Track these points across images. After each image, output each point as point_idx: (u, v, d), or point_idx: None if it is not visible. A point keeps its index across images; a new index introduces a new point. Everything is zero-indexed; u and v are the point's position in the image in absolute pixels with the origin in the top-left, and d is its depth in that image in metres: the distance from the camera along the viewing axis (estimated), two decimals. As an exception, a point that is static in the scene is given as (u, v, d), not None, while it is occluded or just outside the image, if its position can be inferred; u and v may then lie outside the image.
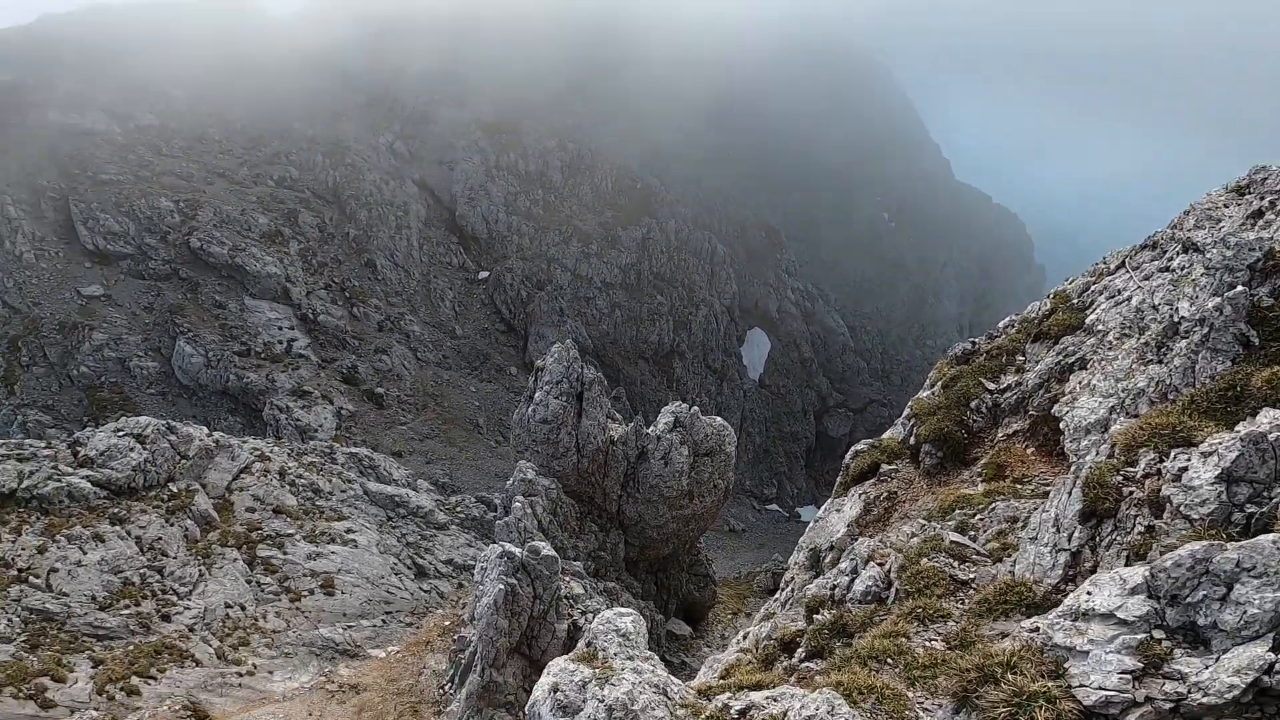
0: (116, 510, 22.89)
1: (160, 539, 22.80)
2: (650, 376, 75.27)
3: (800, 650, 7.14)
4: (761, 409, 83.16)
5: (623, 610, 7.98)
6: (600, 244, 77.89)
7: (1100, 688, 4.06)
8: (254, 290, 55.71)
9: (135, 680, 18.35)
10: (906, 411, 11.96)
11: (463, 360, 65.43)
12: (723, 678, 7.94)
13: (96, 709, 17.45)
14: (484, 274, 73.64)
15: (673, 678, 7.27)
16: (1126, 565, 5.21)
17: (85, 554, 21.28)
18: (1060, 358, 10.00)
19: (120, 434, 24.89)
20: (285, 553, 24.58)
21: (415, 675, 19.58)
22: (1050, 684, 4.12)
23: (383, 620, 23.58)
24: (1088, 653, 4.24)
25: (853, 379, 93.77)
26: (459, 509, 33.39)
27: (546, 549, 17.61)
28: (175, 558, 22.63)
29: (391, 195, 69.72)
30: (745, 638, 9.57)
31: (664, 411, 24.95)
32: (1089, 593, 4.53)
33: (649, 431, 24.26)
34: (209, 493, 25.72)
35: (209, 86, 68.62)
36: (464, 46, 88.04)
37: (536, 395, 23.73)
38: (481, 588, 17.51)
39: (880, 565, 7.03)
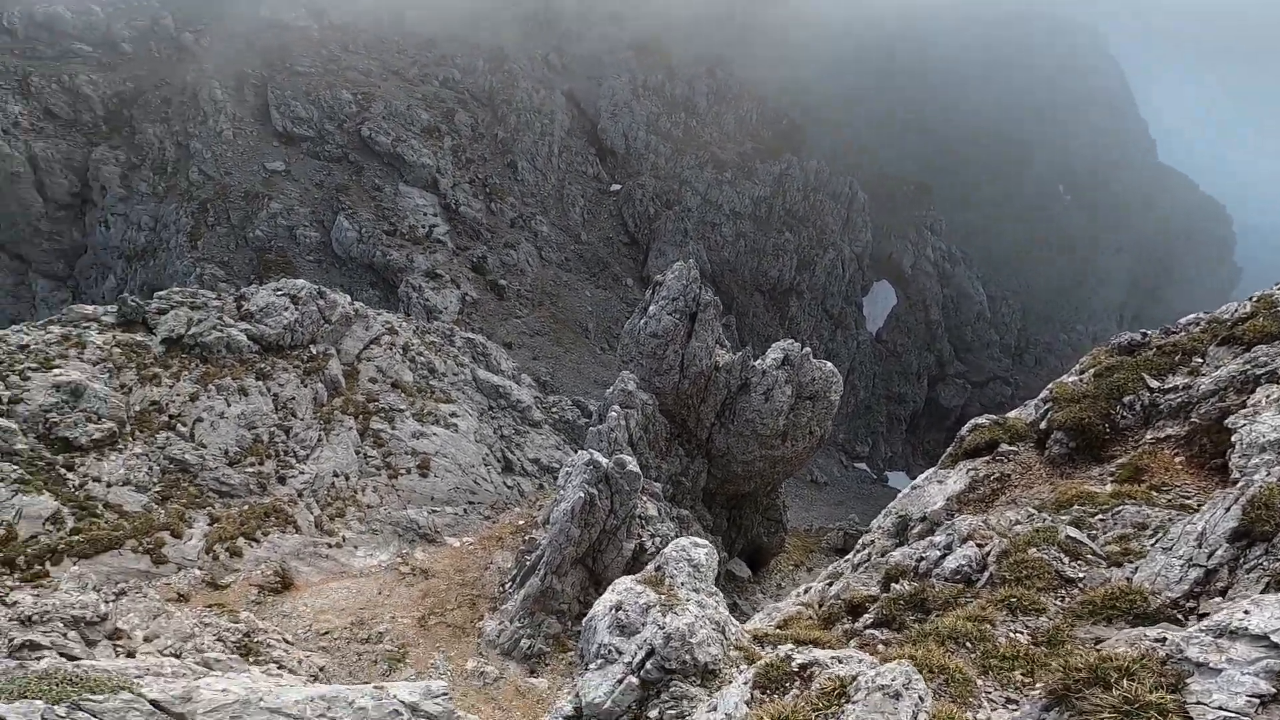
0: (263, 365, 24.92)
1: (294, 399, 24.69)
2: (763, 310, 73.73)
3: (868, 616, 6.84)
4: (872, 364, 79.77)
5: (699, 541, 7.96)
6: (735, 173, 75.60)
7: (1221, 708, 3.72)
8: (408, 178, 59.02)
9: (241, 542, 19.56)
10: (1044, 394, 10.91)
11: (583, 265, 66.75)
12: (780, 627, 7.79)
13: (200, 568, 18.61)
14: (616, 186, 73.75)
15: (731, 618, 7.20)
16: (1264, 593, 4.86)
17: (229, 406, 22.99)
18: (1248, 367, 8.62)
19: (279, 293, 27.13)
20: (394, 428, 26.23)
21: (481, 569, 20.01)
22: (1166, 695, 3.72)
23: (464, 509, 24.45)
24: (1220, 671, 3.86)
25: (980, 351, 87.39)
26: (554, 409, 34.59)
27: (632, 464, 17.76)
28: (302, 419, 24.40)
29: (540, 104, 70.69)
30: (807, 592, 9.35)
31: (774, 347, 24.26)
32: (1246, 611, 4.07)
33: (755, 364, 23.73)
34: (341, 359, 27.92)
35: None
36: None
37: (651, 309, 23.63)
38: (562, 493, 17.78)
39: (980, 546, 6.52)
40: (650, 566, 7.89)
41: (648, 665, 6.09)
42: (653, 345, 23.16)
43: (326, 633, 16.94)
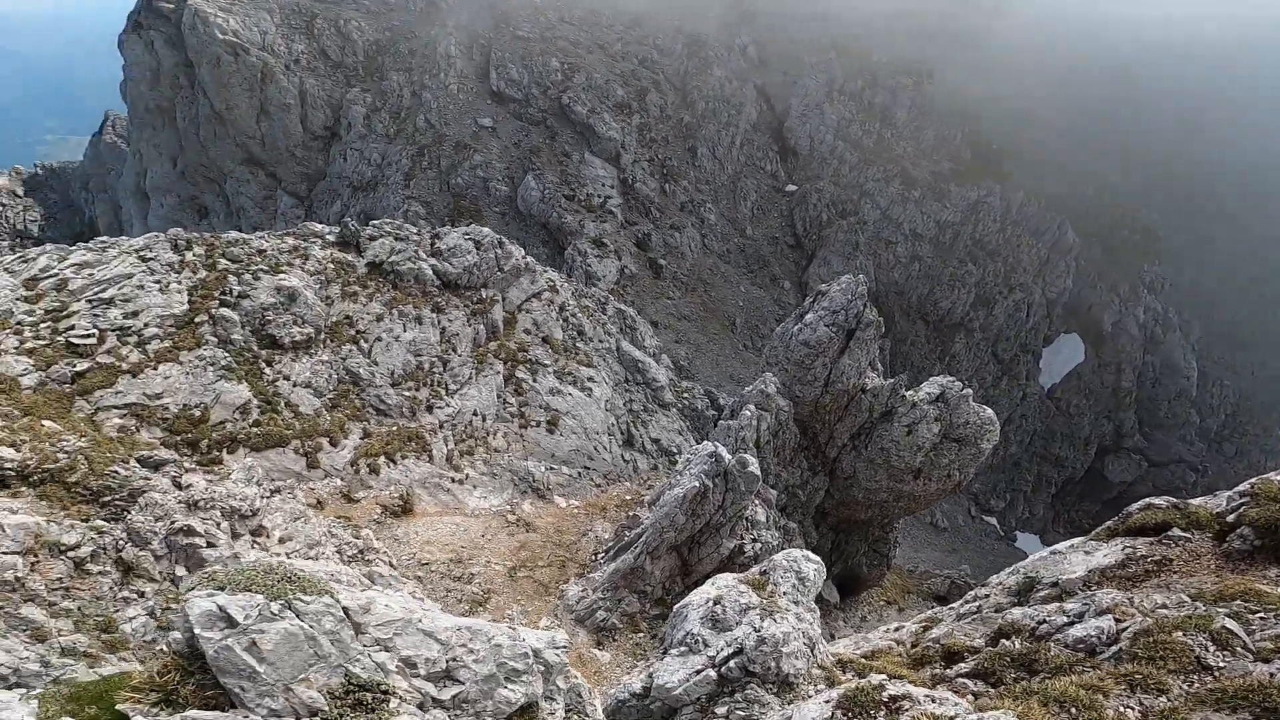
0: (439, 300, 27.19)
1: (457, 335, 26.67)
2: (924, 340, 69.27)
3: (964, 665, 6.42)
4: (1035, 420, 72.45)
5: (811, 556, 7.93)
6: (925, 192, 71.06)
7: None
8: (595, 149, 61.72)
9: (381, 461, 20.77)
10: (1244, 487, 9.49)
11: (743, 259, 66.31)
12: (865, 658, 7.54)
13: (342, 479, 19.76)
14: (792, 187, 72.18)
15: (821, 637, 7.09)
16: None
17: (404, 331, 25.06)
18: None
19: (466, 237, 29.50)
20: (535, 380, 27.56)
21: (579, 534, 20.12)
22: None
23: (579, 473, 24.91)
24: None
25: (1171, 430, 76.30)
26: (686, 395, 34.84)
27: (754, 466, 17.58)
28: (459, 355, 26.22)
29: (730, 94, 70.62)
30: (898, 629, 8.91)
31: (932, 381, 22.92)
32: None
33: (907, 394, 22.56)
34: (504, 306, 29.95)
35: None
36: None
37: (808, 316, 23.12)
38: (678, 478, 17.80)
39: (1117, 621, 5.89)
40: (756, 569, 7.96)
41: (731, 663, 6.14)
42: (802, 353, 22.66)
43: (426, 564, 17.56)
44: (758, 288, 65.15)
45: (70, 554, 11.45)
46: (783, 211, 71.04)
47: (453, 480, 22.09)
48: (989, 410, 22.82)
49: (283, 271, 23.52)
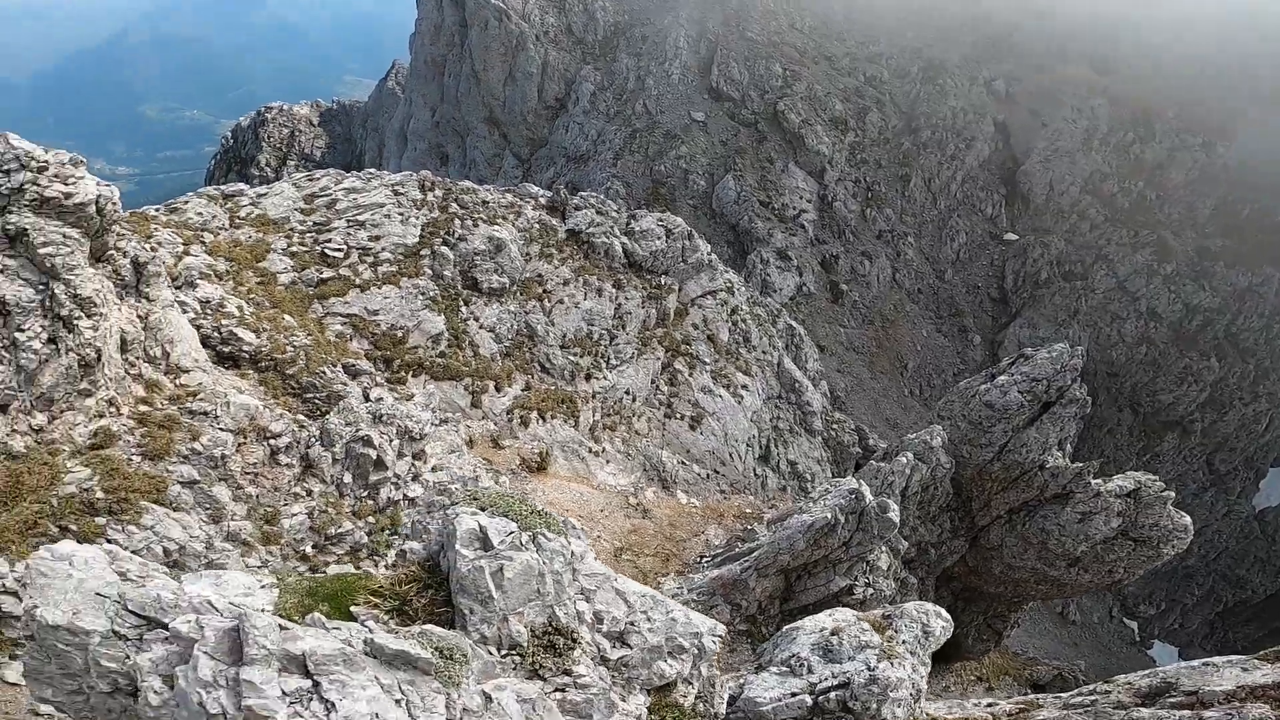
0: (621, 277, 28.41)
1: (630, 314, 27.79)
2: (1125, 430, 60.73)
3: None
4: (1231, 538, 61.22)
5: (942, 613, 7.92)
6: (1181, 268, 61.87)
7: None
8: (800, 160, 60.79)
9: (534, 415, 21.82)
10: None
11: (934, 303, 62.11)
12: (956, 721, 7.23)
13: (496, 424, 20.88)
14: (1012, 236, 66.07)
15: (925, 693, 6.89)
16: None
17: (584, 299, 26.49)
18: None
19: (660, 223, 30.54)
20: (690, 375, 28.08)
21: (691, 534, 20.08)
22: None
23: (707, 474, 24.91)
24: None
25: None
26: (834, 426, 33.62)
27: (894, 513, 16.73)
28: (627, 334, 27.25)
29: (962, 126, 65.93)
30: (991, 704, 8.32)
31: (1128, 475, 20.32)
32: None
33: (1093, 482, 20.26)
34: (679, 296, 30.70)
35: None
36: (1124, 25, 72.58)
37: (1000, 379, 21.51)
38: (809, 505, 17.32)
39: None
40: (879, 612, 8.00)
41: (831, 695, 6.14)
42: (983, 415, 21.03)
43: (543, 526, 18.74)
44: (942, 335, 60.72)
45: (271, 441, 12.59)
46: (993, 260, 65.40)
47: (590, 450, 23.01)
48: (1187, 518, 19.80)
49: (497, 224, 25.82)
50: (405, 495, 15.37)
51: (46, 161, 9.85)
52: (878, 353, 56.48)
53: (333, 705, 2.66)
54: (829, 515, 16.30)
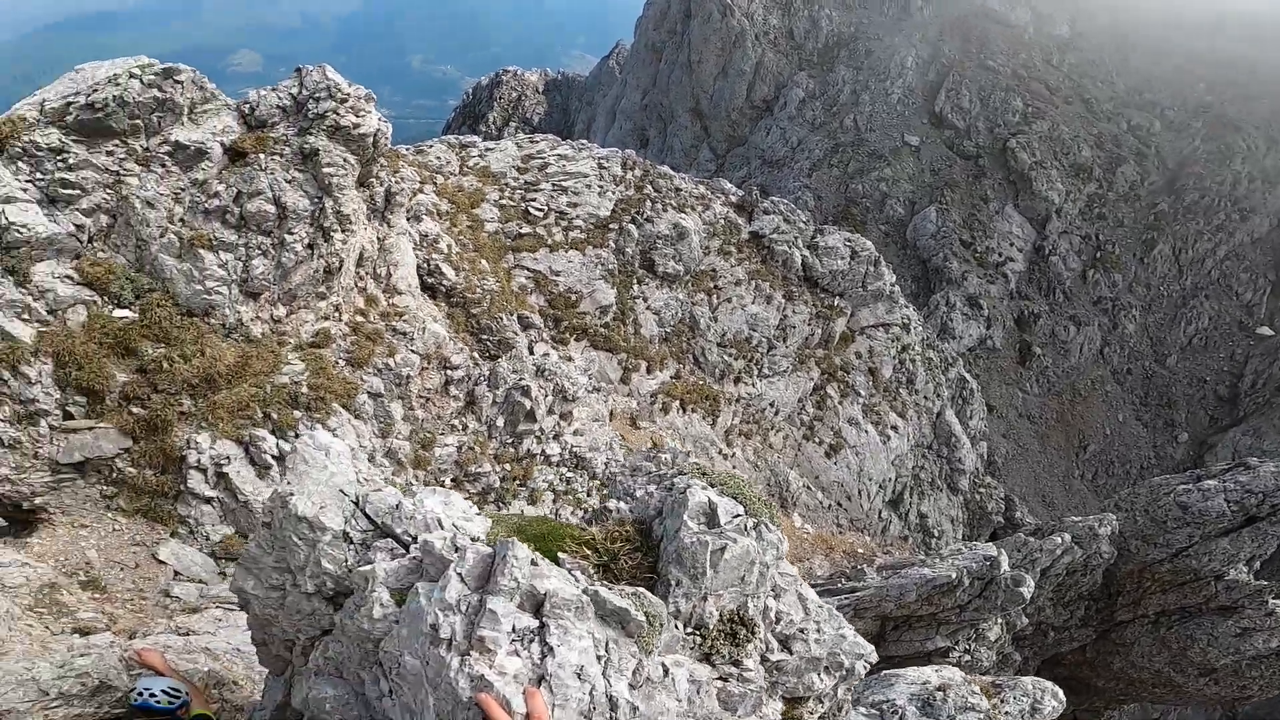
0: (793, 288, 27.99)
1: (793, 328, 27.34)
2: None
3: None
4: None
5: (1059, 693, 7.83)
6: None
7: None
8: (1020, 204, 55.73)
9: (675, 404, 22.32)
10: None
11: (1142, 388, 54.56)
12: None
13: (638, 404, 21.58)
14: (1267, 331, 56.04)
15: None
16: None
17: (751, 303, 26.61)
18: None
19: (847, 242, 29.58)
20: (840, 403, 27.19)
21: (795, 559, 19.59)
22: None
23: (830, 505, 24.33)
24: None
25: None
26: (980, 490, 31.01)
27: (1027, 590, 15.60)
28: (785, 347, 26.91)
29: (1242, 195, 56.83)
30: None
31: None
32: None
33: (1271, 601, 17.95)
34: (849, 322, 29.66)
35: (1130, 24, 63.81)
36: None
37: (1209, 483, 19.18)
38: (933, 560, 16.55)
39: None
40: (989, 679, 7.93)
41: None
42: (1171, 515, 18.80)
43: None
44: (1142, 425, 53.23)
45: (448, 371, 13.81)
46: (1234, 355, 55.95)
47: (720, 452, 23.26)
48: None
49: (685, 212, 26.52)
50: (544, 451, 16.56)
51: (348, 94, 11.67)
52: (1055, 426, 50.78)
53: (550, 650, 2.62)
54: (954, 575, 15.58)
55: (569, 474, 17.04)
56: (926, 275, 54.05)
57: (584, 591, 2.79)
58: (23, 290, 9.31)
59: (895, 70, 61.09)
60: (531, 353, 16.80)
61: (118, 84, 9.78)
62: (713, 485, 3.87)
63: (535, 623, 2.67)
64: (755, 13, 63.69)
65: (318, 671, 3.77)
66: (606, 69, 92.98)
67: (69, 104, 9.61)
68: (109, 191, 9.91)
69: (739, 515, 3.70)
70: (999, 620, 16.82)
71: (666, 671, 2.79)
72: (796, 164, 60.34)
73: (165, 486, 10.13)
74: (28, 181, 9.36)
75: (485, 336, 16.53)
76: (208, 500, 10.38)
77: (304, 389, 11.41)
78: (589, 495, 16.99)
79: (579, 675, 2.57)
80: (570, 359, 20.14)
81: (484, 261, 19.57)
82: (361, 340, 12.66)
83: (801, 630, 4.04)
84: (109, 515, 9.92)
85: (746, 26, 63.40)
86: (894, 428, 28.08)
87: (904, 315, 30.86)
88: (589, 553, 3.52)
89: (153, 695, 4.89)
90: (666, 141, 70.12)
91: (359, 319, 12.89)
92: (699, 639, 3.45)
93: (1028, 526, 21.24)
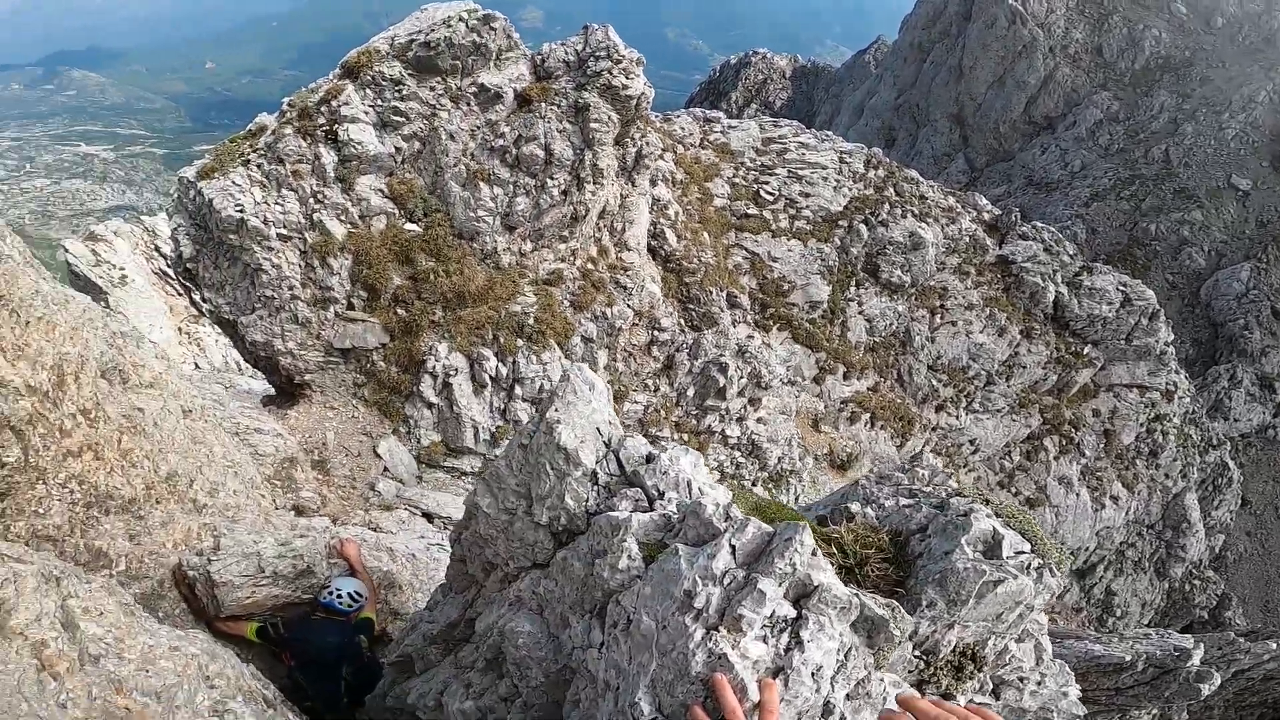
0: (1035, 326, 24.91)
1: (1023, 368, 24.45)
2: None
3: None
4: None
5: None
6: None
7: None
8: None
9: (865, 415, 21.65)
10: None
11: None
12: None
13: (825, 406, 20.92)
14: None
15: None
16: None
17: (979, 331, 24.36)
18: None
19: (1121, 288, 25.63)
20: (1055, 459, 23.97)
21: None
22: None
23: None
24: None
25: None
26: (1195, 580, 25.95)
27: (1208, 688, 13.35)
28: (1006, 386, 24.29)
29: None
30: None
31: None
32: None
33: None
34: (1095, 377, 25.76)
35: None
36: None
37: None
38: (1109, 639, 14.30)
39: None
40: None
41: None
42: None
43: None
44: None
45: (655, 332, 14.12)
46: None
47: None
48: None
49: (925, 222, 24.63)
50: (725, 431, 16.66)
51: (623, 56, 12.44)
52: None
53: (800, 645, 2.42)
54: (1128, 658, 13.44)
55: (741, 459, 17.02)
56: (1214, 341, 45.23)
57: (854, 593, 2.63)
58: (345, 196, 11.22)
59: (1239, 103, 51.12)
60: (734, 331, 16.89)
61: (449, 26, 11.27)
62: (998, 515, 3.59)
63: (793, 613, 2.47)
64: (1054, 25, 56.63)
65: (514, 603, 3.71)
66: (860, 63, 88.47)
67: (412, 40, 11.28)
68: (425, 122, 11.53)
69: (1024, 553, 3.41)
70: (1154, 713, 14.25)
71: (885, 690, 2.62)
72: (1073, 190, 53.22)
73: (403, 385, 11.68)
74: (370, 106, 11.19)
75: (692, 306, 16.91)
76: (430, 405, 11.61)
77: (530, 320, 12.54)
78: (755, 485, 16.87)
79: (814, 675, 2.39)
80: (769, 346, 19.92)
81: (706, 235, 19.91)
82: (588, 286, 13.59)
83: (1022, 679, 3.72)
84: (354, 402, 11.65)
85: (1040, 37, 56.62)
86: (1114, 498, 24.34)
87: (1170, 381, 26.28)
88: (834, 552, 3.35)
89: (339, 596, 5.38)
90: (916, 145, 65.39)
91: (589, 266, 13.83)
92: (923, 664, 3.28)
93: (1238, 627, 17.56)
